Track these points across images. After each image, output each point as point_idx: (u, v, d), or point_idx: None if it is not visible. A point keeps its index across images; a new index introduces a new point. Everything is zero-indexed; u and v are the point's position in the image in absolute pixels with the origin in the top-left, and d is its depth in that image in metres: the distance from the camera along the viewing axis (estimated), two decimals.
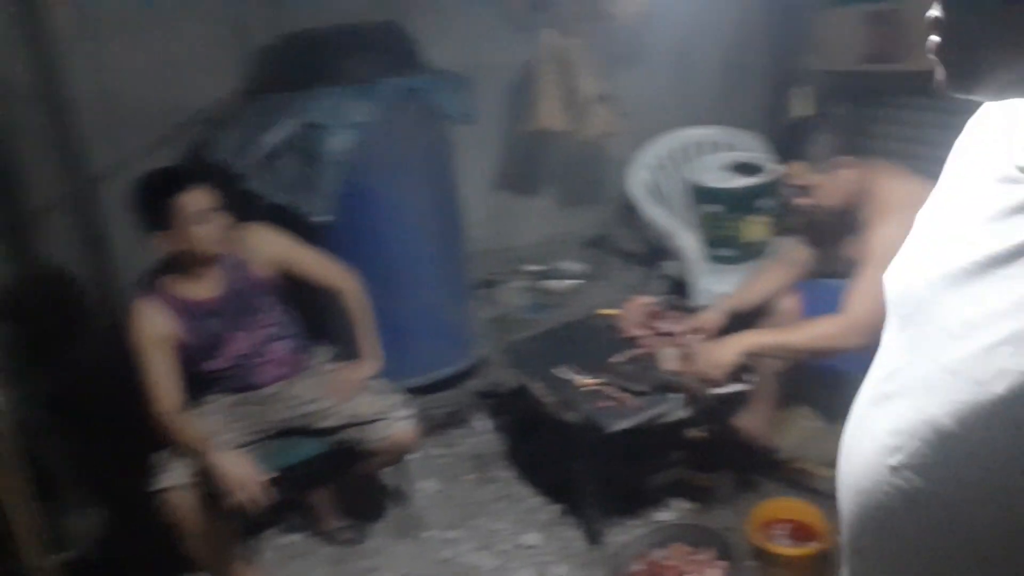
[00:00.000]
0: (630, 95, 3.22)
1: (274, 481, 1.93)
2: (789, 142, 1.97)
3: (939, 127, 3.02)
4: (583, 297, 3.30)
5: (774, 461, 2.37)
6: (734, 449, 2.28)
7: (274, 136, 2.40)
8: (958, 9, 0.60)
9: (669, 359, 2.10)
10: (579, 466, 2.13)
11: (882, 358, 0.78)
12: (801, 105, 3.56)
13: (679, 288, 2.96)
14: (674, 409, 1.96)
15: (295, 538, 2.38)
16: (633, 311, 2.32)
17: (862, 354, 2.01)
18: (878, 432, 0.73)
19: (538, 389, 2.13)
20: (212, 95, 2.73)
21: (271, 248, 2.15)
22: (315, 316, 2.54)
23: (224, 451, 1.90)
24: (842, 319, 1.79)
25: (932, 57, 0.63)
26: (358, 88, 2.42)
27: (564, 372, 2.10)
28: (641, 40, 3.33)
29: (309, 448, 2.15)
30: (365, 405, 2.13)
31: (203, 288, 2.04)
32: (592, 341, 2.31)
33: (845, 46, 3.05)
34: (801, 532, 2.02)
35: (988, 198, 0.66)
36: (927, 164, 2.01)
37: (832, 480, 2.25)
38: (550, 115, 2.78)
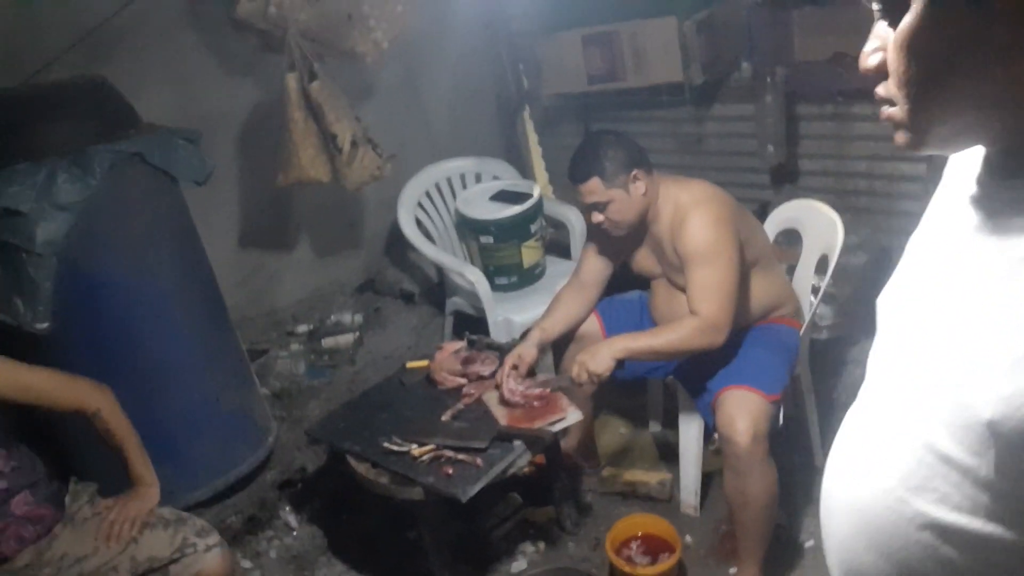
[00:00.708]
0: (374, 135, 3.08)
1: None
2: (577, 162, 1.99)
3: (661, 136, 3.35)
4: (367, 349, 3.09)
5: (602, 478, 2.40)
6: (564, 475, 2.26)
7: None
8: (901, 78, 0.62)
9: (496, 404, 2.01)
10: (426, 541, 1.94)
11: (872, 381, 0.79)
12: (529, 129, 3.73)
13: (467, 323, 2.89)
14: (519, 456, 1.87)
15: None
16: (444, 360, 2.18)
17: (659, 361, 2.13)
18: (876, 454, 0.73)
19: (366, 470, 1.91)
20: None
21: None
22: (60, 448, 2.05)
23: None
24: (697, 320, 1.87)
25: (890, 125, 0.66)
26: (66, 161, 1.98)
27: (395, 443, 1.90)
28: (375, 77, 3.22)
29: None
30: (157, 544, 1.73)
31: None
32: (410, 401, 2.14)
33: (569, 69, 3.23)
34: (653, 543, 2.06)
35: (961, 219, 0.68)
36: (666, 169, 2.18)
37: (659, 485, 2.33)
38: (311, 166, 2.54)
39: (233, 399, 2.37)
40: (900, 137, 0.66)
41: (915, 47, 0.60)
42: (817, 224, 2.23)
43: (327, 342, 3.07)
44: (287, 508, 2.45)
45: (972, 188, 0.67)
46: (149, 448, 1.90)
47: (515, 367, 2.06)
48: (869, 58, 0.65)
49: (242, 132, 2.95)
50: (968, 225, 0.67)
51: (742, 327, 2.04)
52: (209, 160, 2.32)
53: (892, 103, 0.65)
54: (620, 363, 1.93)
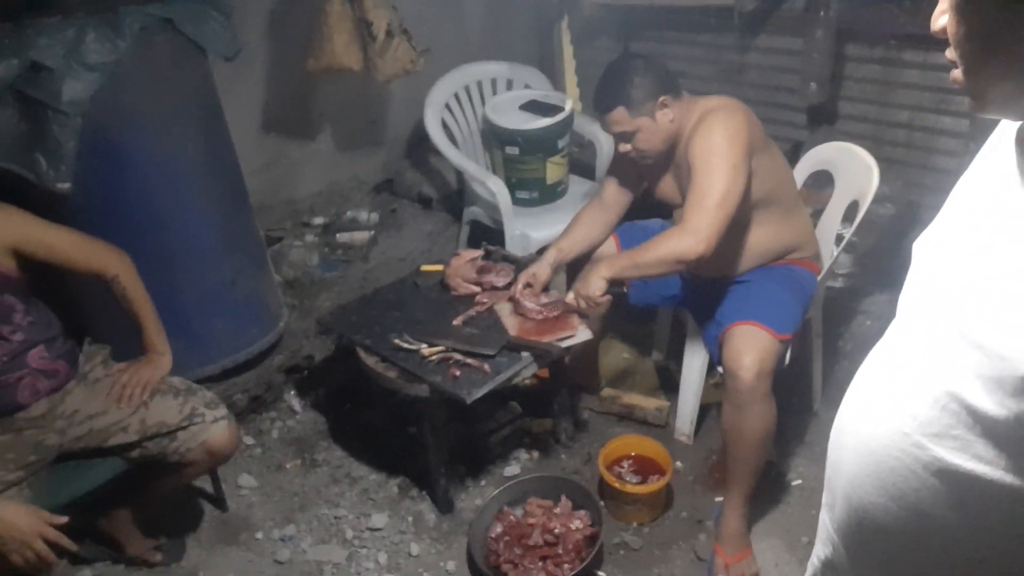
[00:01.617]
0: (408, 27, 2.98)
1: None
2: (603, 89, 1.93)
3: (703, 62, 3.24)
4: (381, 249, 3.09)
5: (601, 398, 2.45)
6: (564, 390, 2.30)
7: None
8: (955, 39, 0.63)
9: (507, 315, 2.03)
10: (427, 437, 2.00)
11: (902, 323, 0.78)
12: (566, 40, 3.60)
13: (484, 234, 2.88)
14: (526, 367, 1.90)
15: (95, 571, 1.98)
16: (460, 267, 2.19)
17: (666, 289, 2.12)
18: (896, 397, 0.73)
19: (375, 363, 1.94)
20: None
21: (3, 231, 1.66)
22: (76, 309, 2.08)
23: None
24: (685, 230, 1.80)
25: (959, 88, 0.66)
26: (96, 19, 1.93)
27: (406, 341, 1.93)
28: None
29: (102, 472, 1.78)
30: (167, 411, 1.79)
31: None
32: (423, 303, 2.15)
33: None
34: (644, 465, 2.12)
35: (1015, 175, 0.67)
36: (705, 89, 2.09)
37: (656, 411, 2.36)
38: (344, 53, 2.46)
39: (248, 282, 2.38)
40: (967, 101, 0.66)
41: (966, 9, 0.60)
42: (852, 168, 2.18)
43: (342, 237, 3.07)
44: (292, 392, 2.52)
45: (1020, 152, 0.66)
46: (163, 320, 1.93)
47: (529, 285, 2.07)
48: (938, 19, 0.65)
49: (275, 10, 2.86)
50: (1015, 185, 0.66)
51: (764, 263, 2.03)
52: (240, 35, 2.26)
53: (956, 65, 0.65)
54: (618, 284, 1.90)
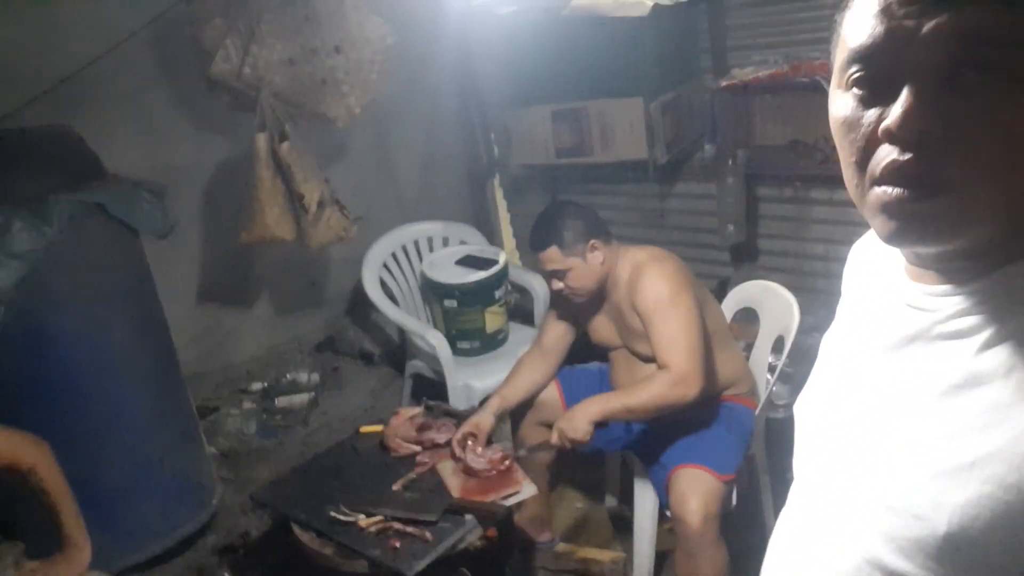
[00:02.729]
0: (342, 196, 3.09)
1: None
2: (537, 230, 2.04)
3: (626, 209, 3.42)
4: (322, 410, 3.03)
5: (555, 555, 2.35)
6: (516, 550, 2.21)
7: None
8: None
9: (450, 474, 1.98)
10: None
11: (802, 493, 0.76)
12: (499, 196, 3.79)
13: (427, 387, 2.86)
14: (470, 531, 1.83)
15: None
16: (399, 426, 2.15)
17: (609, 432, 2.12)
18: (813, 570, 0.69)
19: (310, 539, 1.84)
20: None
21: None
22: None
23: None
24: (669, 374, 1.85)
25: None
26: (23, 209, 1.95)
27: (342, 512, 1.85)
28: (346, 139, 3.25)
29: None
30: None
31: None
32: (362, 468, 2.08)
33: (538, 141, 3.30)
34: None
35: (884, 329, 0.67)
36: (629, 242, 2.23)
37: (613, 564, 2.28)
38: (276, 225, 2.53)
39: (178, 460, 2.29)
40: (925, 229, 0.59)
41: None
42: (774, 305, 2.28)
43: (281, 401, 3.01)
44: (226, 575, 2.35)
45: (903, 294, 0.66)
46: (84, 508, 1.81)
47: (472, 435, 2.04)
48: (921, 118, 0.56)
49: (208, 188, 2.95)
50: (898, 334, 0.65)
51: (700, 402, 2.05)
52: (172, 214, 2.31)
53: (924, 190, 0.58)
54: (600, 425, 1.92)
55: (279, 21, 2.46)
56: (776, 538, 0.78)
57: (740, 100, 2.90)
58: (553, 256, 2.01)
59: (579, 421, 1.89)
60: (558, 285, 2.05)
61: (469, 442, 2.01)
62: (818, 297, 2.96)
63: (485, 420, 2.07)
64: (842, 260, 3.17)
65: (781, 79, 2.66)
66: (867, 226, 0.65)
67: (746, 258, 3.16)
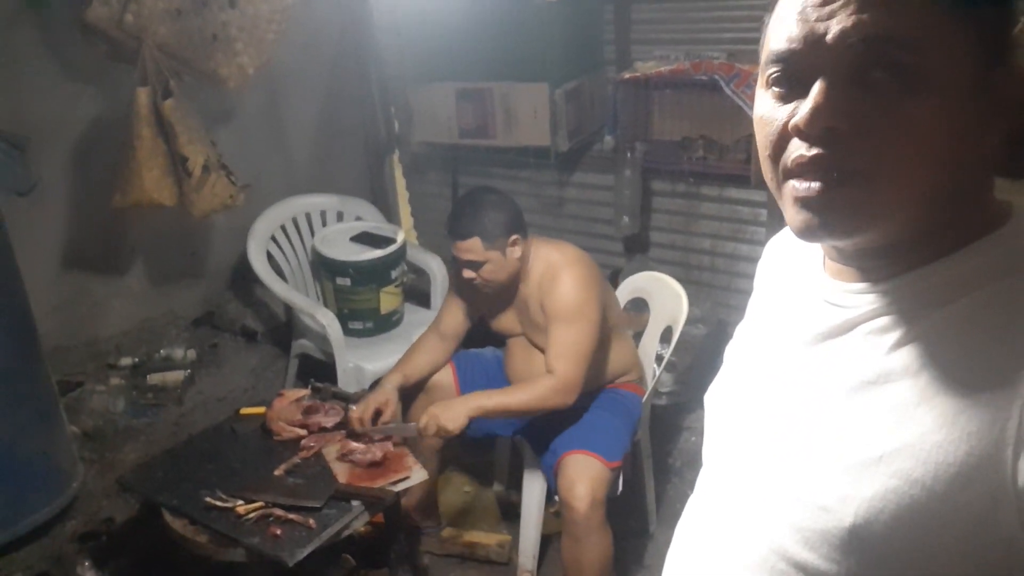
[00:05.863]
0: (229, 162, 2.91)
1: None
2: (459, 218, 1.98)
3: (525, 195, 3.42)
4: (198, 388, 2.87)
5: (441, 539, 2.33)
6: (401, 536, 2.17)
7: None
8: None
9: (335, 459, 1.91)
10: None
11: (711, 481, 0.76)
12: (398, 173, 3.70)
13: (314, 368, 2.76)
14: (356, 518, 1.77)
15: None
16: (283, 409, 2.05)
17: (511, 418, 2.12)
18: (719, 559, 0.70)
19: (183, 526, 1.73)
20: None
21: None
22: None
23: None
24: (552, 380, 1.89)
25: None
26: None
27: (219, 498, 1.75)
28: (236, 102, 3.07)
29: None
30: None
31: None
32: (241, 452, 1.98)
33: (441, 120, 3.23)
34: None
35: (801, 324, 0.68)
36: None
37: (499, 547, 2.29)
38: (155, 189, 2.34)
39: (32, 440, 2.10)
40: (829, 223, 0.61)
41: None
42: (664, 296, 2.34)
43: (153, 378, 2.82)
44: (87, 563, 2.17)
45: (821, 290, 0.67)
46: None
47: (378, 413, 1.98)
48: (832, 114, 0.59)
49: (79, 144, 2.69)
50: (815, 329, 0.66)
51: (591, 390, 2.08)
52: (35, 170, 2.10)
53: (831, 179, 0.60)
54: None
55: None
56: (683, 526, 0.78)
57: (641, 93, 2.95)
58: (473, 247, 1.96)
59: (457, 412, 1.88)
60: (470, 275, 2.00)
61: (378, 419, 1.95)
62: (703, 290, 3.08)
63: (392, 396, 2.02)
64: (727, 256, 3.31)
65: (681, 75, 2.72)
66: (754, 223, 0.67)
67: (638, 249, 3.24)
